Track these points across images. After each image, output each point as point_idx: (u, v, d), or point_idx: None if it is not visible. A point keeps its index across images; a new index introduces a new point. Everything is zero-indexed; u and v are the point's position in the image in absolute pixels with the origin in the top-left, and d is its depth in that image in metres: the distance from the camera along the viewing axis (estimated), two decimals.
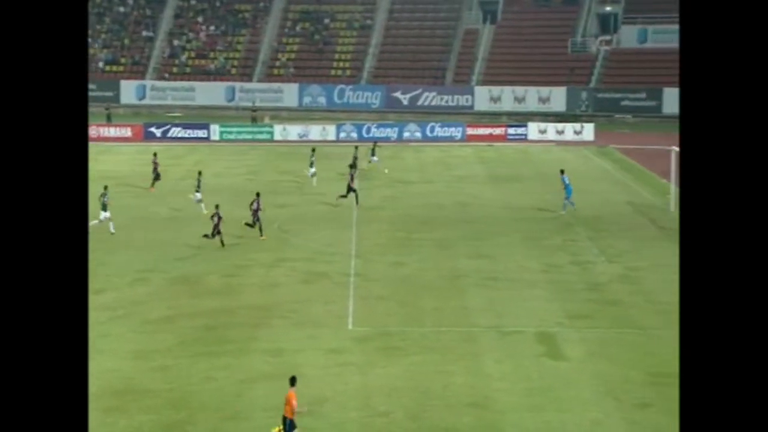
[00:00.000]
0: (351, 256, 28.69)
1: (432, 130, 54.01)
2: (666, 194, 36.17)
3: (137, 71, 66.98)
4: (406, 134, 53.95)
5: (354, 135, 53.68)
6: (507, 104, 61.03)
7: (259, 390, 18.45)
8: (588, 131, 53.22)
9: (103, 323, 21.97)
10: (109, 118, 57.15)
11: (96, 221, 30.34)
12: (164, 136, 52.86)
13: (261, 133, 54.21)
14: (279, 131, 54.11)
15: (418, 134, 53.84)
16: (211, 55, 67.51)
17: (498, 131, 54.09)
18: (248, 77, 66.11)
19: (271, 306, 23.75)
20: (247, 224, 30.56)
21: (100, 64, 66.80)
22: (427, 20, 67.81)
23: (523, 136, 53.29)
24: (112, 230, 30.84)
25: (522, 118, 57.26)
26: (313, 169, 39.72)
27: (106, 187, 31.81)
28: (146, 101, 64.72)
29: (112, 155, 48.16)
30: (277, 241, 30.59)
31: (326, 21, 68.51)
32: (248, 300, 24.27)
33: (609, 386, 18.55)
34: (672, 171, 35.92)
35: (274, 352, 20.49)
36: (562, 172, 35.41)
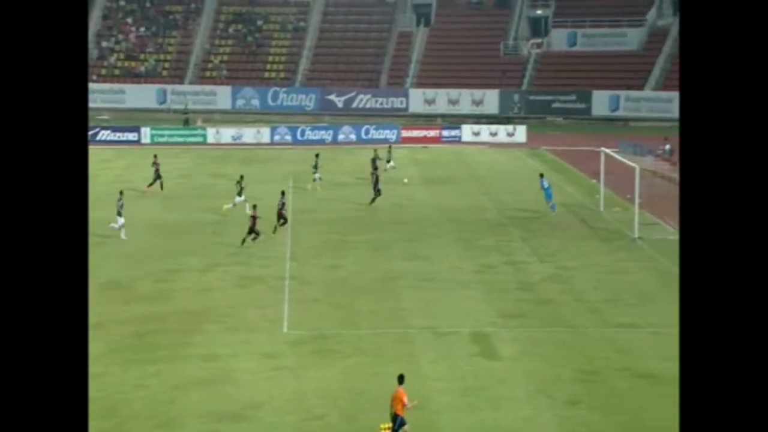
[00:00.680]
0: (286, 259, 28.54)
1: (367, 132, 54.13)
2: (595, 194, 36.89)
3: None
4: (340, 137, 53.94)
5: (288, 138, 53.47)
6: (441, 106, 61.49)
7: (193, 396, 18.21)
8: (520, 133, 53.97)
9: None
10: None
11: (114, 225, 30.55)
12: (93, 140, 51.74)
13: (193, 136, 53.54)
14: (212, 134, 53.52)
15: (353, 136, 53.89)
16: (142, 56, 66.43)
17: (432, 133, 54.49)
18: (180, 79, 65.24)
19: (205, 311, 23.48)
20: (282, 223, 31.33)
21: None
22: (361, 23, 67.91)
23: (457, 138, 53.79)
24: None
25: (456, 120, 57.77)
26: (317, 174, 39.34)
27: (121, 192, 31.81)
28: None
29: None
30: (210, 245, 30.26)
31: (259, 23, 68.04)
32: (181, 305, 23.95)
33: (541, 384, 18.85)
34: (601, 171, 36.65)
35: (208, 358, 20.26)
36: (541, 175, 35.74)
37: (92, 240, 30.59)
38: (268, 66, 65.90)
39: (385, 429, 15.95)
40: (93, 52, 66.59)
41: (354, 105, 62.35)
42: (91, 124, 55.21)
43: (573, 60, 62.82)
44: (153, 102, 63.12)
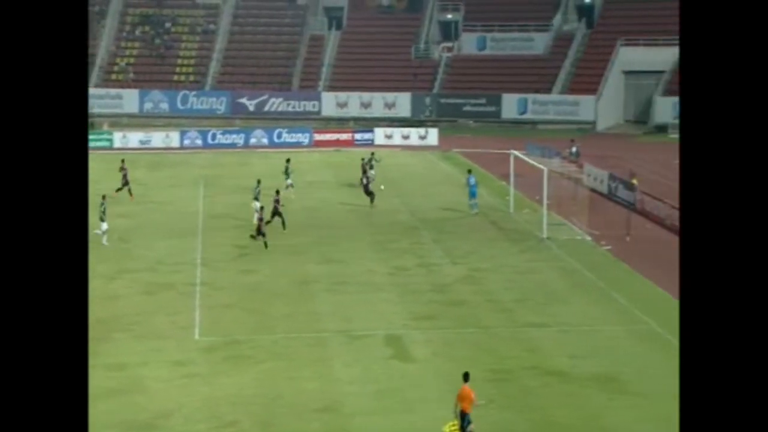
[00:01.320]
0: (197, 265, 28.09)
1: (279, 135, 53.78)
2: (505, 196, 37.53)
3: None
4: (252, 140, 53.44)
5: (199, 142, 52.68)
6: (354, 110, 61.57)
7: (102, 406, 17.71)
8: (432, 136, 54.52)
9: None
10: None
11: (98, 231, 29.48)
12: None
13: (99, 140, 52.15)
14: (119, 138, 52.32)
15: (265, 140, 53.47)
16: None
17: (345, 136, 54.53)
18: None
19: (112, 319, 22.89)
20: (281, 223, 31.59)
21: None
22: (272, 26, 67.45)
23: (370, 141, 53.94)
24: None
25: (368, 124, 57.94)
26: (289, 180, 38.71)
27: (104, 197, 30.80)
28: None
29: None
30: (117, 251, 29.55)
31: (167, 25, 66.85)
32: None
33: (453, 385, 18.93)
34: (511, 173, 37.31)
35: (116, 367, 19.77)
36: (469, 171, 36.06)
37: None
38: (177, 69, 64.79)
39: (451, 427, 15.83)
40: None
41: (266, 108, 61.86)
42: None
43: (483, 64, 63.81)
44: None
